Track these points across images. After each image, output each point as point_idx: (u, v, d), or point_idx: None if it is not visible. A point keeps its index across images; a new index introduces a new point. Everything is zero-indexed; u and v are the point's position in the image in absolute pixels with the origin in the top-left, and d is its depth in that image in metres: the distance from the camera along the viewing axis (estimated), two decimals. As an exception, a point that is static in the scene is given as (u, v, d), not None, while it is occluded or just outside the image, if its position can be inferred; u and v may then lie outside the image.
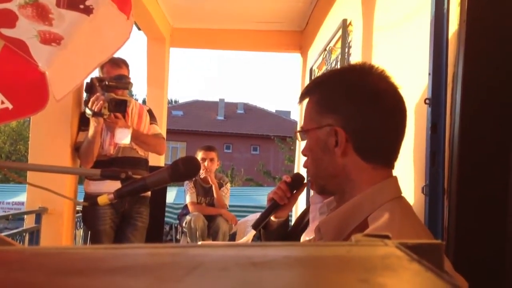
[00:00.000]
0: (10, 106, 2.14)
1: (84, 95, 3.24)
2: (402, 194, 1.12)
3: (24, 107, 2.19)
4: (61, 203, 3.20)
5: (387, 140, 1.10)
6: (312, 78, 4.52)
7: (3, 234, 2.29)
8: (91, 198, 3.13)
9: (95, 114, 2.97)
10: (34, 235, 3.23)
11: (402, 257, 0.32)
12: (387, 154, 1.10)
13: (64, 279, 0.31)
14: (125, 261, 0.36)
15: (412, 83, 1.78)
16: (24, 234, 3.19)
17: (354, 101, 1.08)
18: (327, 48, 3.83)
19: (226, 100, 33.29)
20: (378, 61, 2.31)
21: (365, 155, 1.08)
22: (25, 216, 3.37)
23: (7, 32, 1.93)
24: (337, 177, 1.11)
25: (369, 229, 1.01)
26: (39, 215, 3.23)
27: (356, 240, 0.37)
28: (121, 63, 3.21)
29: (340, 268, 0.31)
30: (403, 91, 1.11)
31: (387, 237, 0.37)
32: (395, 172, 1.13)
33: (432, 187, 1.55)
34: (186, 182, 4.80)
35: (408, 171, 1.81)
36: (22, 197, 8.76)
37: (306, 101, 1.19)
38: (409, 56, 1.96)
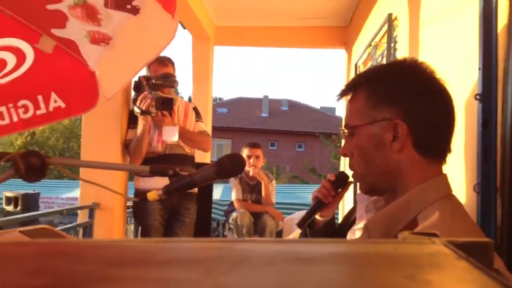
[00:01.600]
0: (63, 105, 2.21)
1: (132, 93, 3.32)
2: (453, 192, 1.09)
3: (75, 106, 2.26)
4: (112, 199, 3.29)
5: (443, 133, 1.08)
6: (357, 73, 4.46)
7: (58, 228, 2.38)
8: (140, 194, 3.20)
9: (143, 112, 3.04)
10: (88, 229, 3.34)
11: (449, 255, 0.31)
12: (442, 148, 1.08)
13: (118, 270, 0.33)
14: (175, 254, 0.38)
15: (461, 78, 1.73)
16: (78, 228, 3.30)
17: (412, 94, 1.06)
18: (373, 43, 3.77)
19: (270, 97, 33.28)
20: (426, 56, 2.26)
21: (423, 149, 1.06)
22: (79, 211, 3.48)
23: (58, 32, 1.99)
24: (389, 174, 1.08)
25: (419, 228, 0.99)
26: (92, 210, 3.33)
27: (403, 237, 0.36)
28: (167, 62, 3.27)
29: (386, 265, 0.31)
30: (452, 87, 1.09)
31: (435, 235, 0.36)
32: (445, 170, 1.10)
33: (484, 185, 1.50)
34: (231, 179, 4.82)
35: (459, 168, 1.77)
36: (76, 193, 9.04)
37: (348, 97, 1.17)
38: (457, 50, 1.91)
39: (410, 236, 0.37)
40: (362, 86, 1.12)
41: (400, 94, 1.07)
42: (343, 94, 1.18)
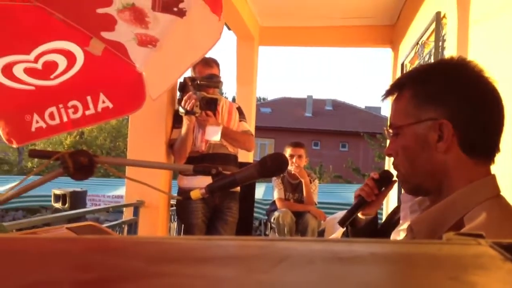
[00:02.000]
0: (111, 105, 2.27)
1: (178, 94, 3.37)
2: (501, 193, 1.06)
3: (123, 106, 2.32)
4: (157, 197, 3.35)
5: (491, 133, 1.04)
6: (404, 72, 4.38)
7: (104, 225, 2.44)
8: (184, 193, 3.26)
9: (188, 113, 3.08)
10: (132, 226, 3.41)
11: (495, 256, 0.30)
12: (490, 148, 1.05)
13: (161, 266, 0.34)
14: (216, 251, 0.38)
15: (511, 76, 1.67)
16: (123, 225, 3.38)
17: (459, 94, 1.04)
18: (420, 42, 3.70)
19: (314, 97, 33.08)
20: (475, 55, 2.20)
21: (470, 150, 1.03)
22: (124, 208, 3.57)
23: (107, 35, 2.05)
24: (435, 175, 1.06)
25: (465, 229, 0.96)
26: (136, 208, 3.40)
27: (447, 238, 0.36)
28: (212, 63, 3.30)
29: (429, 266, 0.31)
30: (502, 86, 1.05)
31: (480, 236, 0.35)
32: (493, 170, 1.07)
33: (535, 186, 1.45)
34: (273, 178, 4.82)
35: (507, 169, 1.71)
36: (121, 191, 9.26)
37: (393, 97, 1.16)
38: (507, 48, 1.84)
39: (455, 237, 0.36)
40: (407, 86, 1.10)
41: (447, 94, 1.04)
42: (388, 93, 1.16)
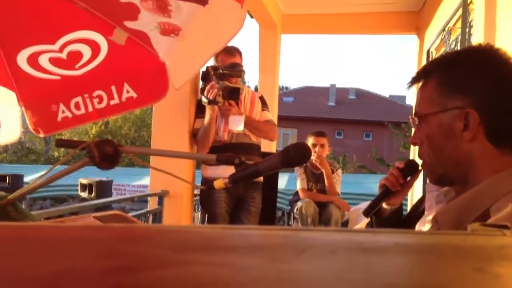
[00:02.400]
0: (135, 95, 2.29)
1: (200, 83, 3.38)
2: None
3: (147, 96, 2.33)
4: (181, 187, 3.38)
5: None
6: (430, 60, 4.31)
7: (129, 214, 2.48)
8: (207, 182, 3.28)
9: (210, 102, 3.09)
10: (157, 216, 3.45)
11: (522, 248, 0.30)
12: None
13: (186, 254, 0.34)
14: (240, 240, 0.39)
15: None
16: (148, 215, 3.42)
17: (486, 83, 1.02)
18: (446, 29, 3.63)
19: (337, 86, 32.80)
20: (503, 41, 2.15)
21: (496, 140, 1.01)
22: (149, 198, 3.61)
23: (130, 24, 2.06)
24: (460, 165, 1.05)
25: (491, 220, 0.95)
26: (161, 197, 3.44)
27: (473, 229, 0.35)
28: (234, 52, 3.30)
29: (453, 257, 0.31)
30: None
31: (506, 227, 0.35)
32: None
33: None
34: (296, 168, 4.80)
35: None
36: (146, 181, 9.36)
37: (419, 85, 1.14)
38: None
39: (480, 227, 0.36)
40: (433, 73, 1.09)
41: (474, 82, 1.02)
42: (414, 81, 1.15)
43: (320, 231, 0.38)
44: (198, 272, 0.30)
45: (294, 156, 1.29)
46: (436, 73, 1.08)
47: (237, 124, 3.16)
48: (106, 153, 1.25)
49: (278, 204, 5.30)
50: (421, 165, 1.19)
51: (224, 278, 0.28)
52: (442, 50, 3.93)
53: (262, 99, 3.49)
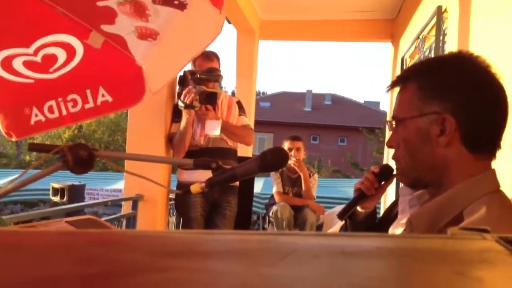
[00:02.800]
0: (110, 99, 2.26)
1: (177, 87, 3.36)
2: (500, 188, 1.06)
3: (122, 100, 2.31)
4: (156, 191, 3.35)
5: (495, 130, 1.04)
6: (404, 67, 4.38)
7: (102, 219, 2.44)
8: (183, 187, 3.26)
9: (187, 106, 3.08)
10: (131, 220, 3.41)
11: (501, 251, 0.30)
12: (492, 145, 1.05)
13: (164, 260, 0.33)
14: (219, 245, 0.38)
15: (513, 71, 1.67)
16: (121, 219, 3.38)
17: (464, 89, 1.03)
18: (420, 36, 3.69)
19: (313, 91, 33.03)
20: (476, 49, 2.19)
21: (472, 145, 1.03)
22: (123, 202, 3.57)
23: (107, 28, 2.04)
24: (435, 169, 1.06)
25: (465, 223, 0.97)
26: (135, 201, 3.40)
27: (452, 233, 0.36)
28: (212, 56, 3.29)
29: (435, 261, 0.31)
30: (503, 81, 1.05)
31: (485, 230, 0.35)
32: (493, 165, 1.07)
33: (535, 181, 1.45)
34: (272, 173, 4.81)
35: (507, 163, 1.71)
36: (120, 185, 9.25)
37: (397, 89, 1.15)
38: (508, 43, 1.84)
39: (460, 231, 0.36)
40: (413, 78, 1.10)
41: (452, 88, 1.04)
42: (393, 85, 1.16)
43: (300, 235, 0.38)
44: (176, 278, 0.29)
45: (272, 161, 1.29)
46: (416, 78, 1.09)
47: (213, 129, 3.15)
48: (80, 157, 1.23)
49: (253, 208, 5.29)
50: (396, 168, 1.20)
51: (205, 284, 0.28)
52: (416, 58, 4.00)
53: (239, 103, 3.49)
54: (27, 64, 2.11)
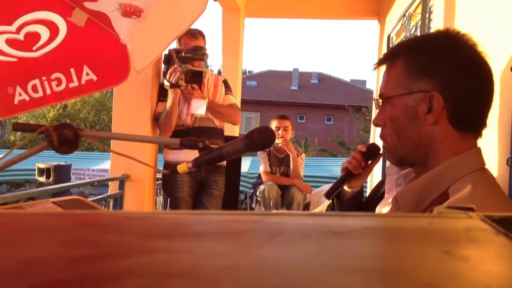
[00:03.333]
0: (95, 78, 2.24)
1: (163, 66, 3.33)
2: (486, 166, 1.07)
3: (107, 79, 2.28)
4: (142, 171, 3.34)
5: (481, 108, 1.05)
6: (390, 45, 4.38)
7: (89, 199, 2.43)
8: (170, 166, 3.25)
9: (173, 85, 3.05)
10: (118, 200, 3.40)
11: (487, 229, 0.31)
12: (478, 123, 1.06)
13: (154, 241, 0.33)
14: (209, 226, 0.38)
15: (497, 50, 1.68)
16: (108, 199, 3.37)
17: (452, 67, 1.03)
18: (407, 14, 3.68)
19: (300, 70, 32.96)
20: (461, 27, 2.19)
21: (458, 123, 1.04)
22: (109, 182, 3.55)
23: (90, 5, 2.01)
24: (421, 147, 1.07)
25: (450, 201, 0.98)
26: (122, 182, 3.39)
27: (439, 212, 0.36)
28: (197, 35, 3.26)
29: (422, 240, 0.31)
30: (489, 60, 1.06)
31: (471, 209, 0.35)
32: (478, 144, 1.08)
33: (518, 159, 1.47)
34: (259, 152, 4.82)
35: (492, 142, 1.73)
36: (106, 165, 9.22)
37: (383, 67, 1.15)
38: (494, 20, 1.84)
39: (446, 210, 0.36)
40: (401, 56, 1.09)
41: (440, 66, 1.04)
42: (381, 63, 1.15)
43: (289, 215, 0.38)
44: (166, 259, 0.29)
45: (259, 140, 1.29)
46: (404, 56, 1.09)
47: (199, 108, 3.13)
48: (65, 137, 1.22)
49: (240, 188, 5.31)
50: (383, 147, 1.20)
51: (193, 266, 0.28)
52: (402, 36, 3.99)
53: (225, 82, 3.47)
54: (10, 42, 2.08)
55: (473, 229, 0.32)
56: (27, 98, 2.22)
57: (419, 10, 3.21)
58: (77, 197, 1.60)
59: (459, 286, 0.23)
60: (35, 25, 2.05)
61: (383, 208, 1.56)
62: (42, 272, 0.26)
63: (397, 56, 1.10)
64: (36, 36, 2.08)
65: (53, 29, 2.09)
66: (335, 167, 9.37)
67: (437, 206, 0.38)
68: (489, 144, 1.69)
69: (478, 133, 1.07)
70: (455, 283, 0.23)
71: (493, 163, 1.67)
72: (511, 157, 1.49)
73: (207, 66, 3.53)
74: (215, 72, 4.08)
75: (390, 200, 1.41)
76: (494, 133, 1.73)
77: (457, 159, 1.04)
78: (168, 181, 3.40)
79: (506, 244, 0.29)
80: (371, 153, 1.60)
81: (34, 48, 2.13)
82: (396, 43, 3.25)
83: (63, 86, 2.22)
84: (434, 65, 1.04)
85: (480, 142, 1.08)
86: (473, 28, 1.94)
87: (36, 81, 2.21)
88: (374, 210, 1.61)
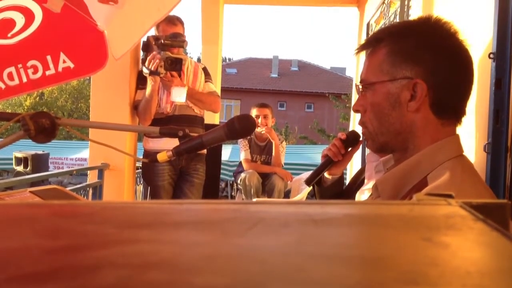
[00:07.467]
0: (72, 65, 2.20)
1: (141, 53, 3.29)
2: (464, 153, 1.09)
3: (84, 66, 2.25)
4: (122, 160, 3.31)
5: (461, 95, 1.06)
6: (370, 32, 4.39)
7: (68, 188, 2.41)
8: (150, 155, 3.23)
9: (152, 73, 3.02)
10: (97, 189, 3.38)
11: (466, 216, 0.31)
12: (459, 110, 1.07)
13: (133, 231, 0.33)
14: (189, 216, 0.38)
15: (476, 36, 1.69)
16: (87, 189, 3.34)
17: (436, 54, 1.03)
18: (386, 1, 3.69)
19: (280, 57, 32.92)
20: (440, 13, 2.21)
21: (439, 110, 1.04)
22: (88, 171, 3.52)
23: (66, -9, 1.97)
24: (402, 134, 1.07)
25: (429, 188, 0.99)
26: (101, 171, 3.36)
27: (418, 199, 0.36)
28: (176, 21, 3.22)
29: (402, 227, 0.31)
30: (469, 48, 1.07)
31: (450, 196, 0.36)
32: (457, 130, 1.09)
33: (495, 145, 1.50)
34: (240, 140, 4.81)
35: (470, 129, 1.75)
36: (85, 154, 9.12)
37: (364, 54, 1.15)
38: (472, 8, 1.86)
39: (425, 197, 0.37)
40: (384, 42, 1.09)
41: (424, 53, 1.04)
42: (363, 48, 1.15)
43: (270, 204, 0.38)
44: (146, 250, 0.29)
45: (239, 129, 1.29)
46: (387, 42, 1.08)
47: (179, 96, 3.11)
48: (43, 126, 1.20)
49: (221, 176, 5.31)
50: (362, 133, 1.20)
51: (173, 255, 0.27)
52: (381, 23, 4.00)
53: (205, 70, 3.44)
54: (-17, 29, 2.03)
55: (453, 216, 0.32)
56: (3, 86, 2.18)
57: (398, -3, 3.22)
58: (55, 186, 1.58)
59: (439, 272, 0.23)
60: (10, 12, 2.01)
61: (363, 194, 1.57)
62: (18, 263, 0.26)
63: (379, 42, 1.10)
64: (11, 23, 2.04)
65: (29, 16, 2.05)
66: (315, 154, 9.43)
67: (416, 193, 0.38)
68: (467, 131, 1.72)
69: (457, 120, 1.08)
70: (435, 269, 0.23)
71: (471, 149, 1.70)
72: (488, 144, 1.52)
73: (186, 53, 3.50)
74: (195, 59, 4.04)
75: (369, 186, 1.42)
76: (472, 120, 1.76)
77: (435, 146, 1.05)
78: (148, 170, 3.37)
79: (485, 230, 0.29)
80: (351, 140, 1.61)
81: (9, 35, 2.08)
82: (378, 29, 3.26)
83: (39, 74, 2.18)
84: (418, 52, 1.04)
85: (458, 129, 1.10)
86: (451, 16, 1.96)
87: (12, 69, 2.17)
88: (354, 197, 1.62)
